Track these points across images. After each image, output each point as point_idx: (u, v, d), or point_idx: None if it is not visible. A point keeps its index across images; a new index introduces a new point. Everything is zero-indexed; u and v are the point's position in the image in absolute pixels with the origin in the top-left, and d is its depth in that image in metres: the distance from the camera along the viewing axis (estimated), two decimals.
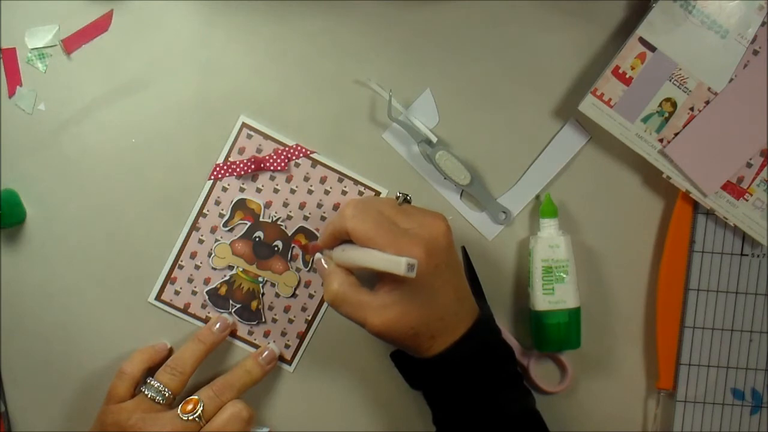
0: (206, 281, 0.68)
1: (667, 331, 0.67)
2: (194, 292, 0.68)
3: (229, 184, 0.67)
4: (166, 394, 0.63)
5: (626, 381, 0.68)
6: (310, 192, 0.67)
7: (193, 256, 0.67)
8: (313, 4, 0.67)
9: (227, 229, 0.67)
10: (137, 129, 0.67)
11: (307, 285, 0.68)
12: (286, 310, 0.68)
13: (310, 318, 0.68)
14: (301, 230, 0.67)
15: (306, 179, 0.67)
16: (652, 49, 0.63)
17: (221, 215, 0.67)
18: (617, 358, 0.68)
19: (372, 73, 0.67)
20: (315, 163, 0.67)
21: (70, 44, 0.66)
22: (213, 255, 0.67)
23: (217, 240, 0.67)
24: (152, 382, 0.63)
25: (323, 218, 0.67)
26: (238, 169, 0.67)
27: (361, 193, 0.67)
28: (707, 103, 0.64)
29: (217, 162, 0.67)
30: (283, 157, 0.67)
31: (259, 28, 0.67)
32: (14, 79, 0.66)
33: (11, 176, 0.67)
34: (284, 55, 0.67)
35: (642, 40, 0.63)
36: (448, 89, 0.67)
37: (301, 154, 0.67)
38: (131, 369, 0.64)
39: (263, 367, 0.66)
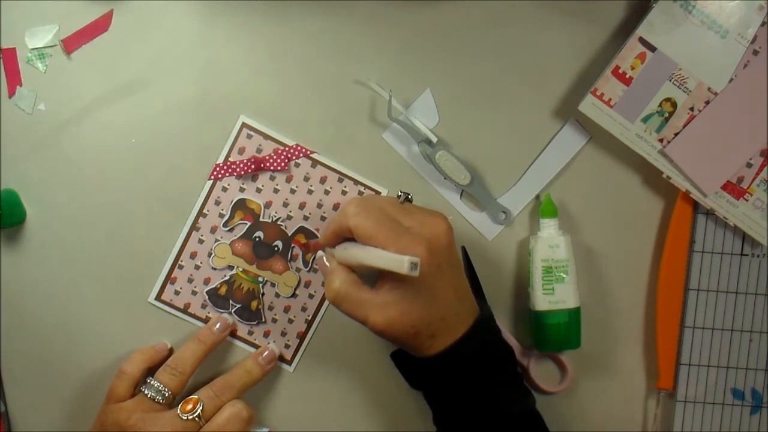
0: (206, 281, 0.68)
1: (667, 331, 0.67)
2: (194, 292, 0.68)
3: (229, 184, 0.67)
4: (166, 394, 0.63)
5: (626, 381, 0.68)
6: (310, 192, 0.67)
7: (193, 256, 0.67)
8: (313, 4, 0.67)
9: (227, 229, 0.67)
10: (137, 129, 0.67)
11: (307, 285, 0.68)
12: (286, 310, 0.68)
13: (310, 318, 0.68)
14: (301, 230, 0.67)
15: (306, 179, 0.67)
16: (652, 49, 0.63)
17: (221, 215, 0.67)
18: (617, 358, 0.68)
19: (372, 73, 0.67)
20: (315, 163, 0.67)
21: (70, 44, 0.66)
22: (213, 255, 0.67)
23: (217, 240, 0.67)
24: (152, 382, 0.63)
25: (323, 218, 0.67)
26: (238, 169, 0.67)
27: (361, 193, 0.67)
28: (707, 103, 0.64)
29: (217, 162, 0.67)
30: (283, 157, 0.67)
31: (259, 28, 0.67)
32: (14, 79, 0.66)
33: (11, 176, 0.67)
34: (284, 55, 0.67)
35: (642, 40, 0.63)
36: (448, 89, 0.67)
37: (301, 154, 0.67)
38: (131, 369, 0.64)
39: (263, 367, 0.66)
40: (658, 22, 0.63)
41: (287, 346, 0.68)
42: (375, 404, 0.68)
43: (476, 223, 0.68)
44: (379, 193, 0.67)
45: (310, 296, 0.68)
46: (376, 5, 0.67)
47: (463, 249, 0.67)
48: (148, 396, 0.63)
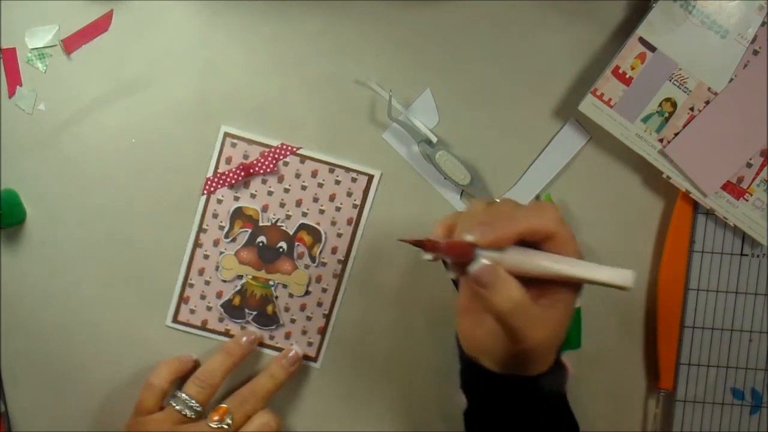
0: (219, 295, 0.68)
1: (667, 331, 0.67)
2: (209, 308, 0.68)
3: (223, 196, 0.67)
4: (195, 407, 0.63)
5: (626, 381, 0.68)
6: (303, 188, 0.67)
7: (201, 272, 0.67)
8: (313, 4, 0.67)
9: (229, 240, 0.67)
10: (137, 129, 0.67)
11: (318, 280, 0.68)
12: (302, 308, 0.68)
13: (327, 312, 0.68)
14: (302, 227, 0.67)
15: (297, 176, 0.67)
16: (652, 49, 0.63)
17: (221, 227, 0.67)
18: (617, 358, 0.68)
19: (372, 73, 0.67)
20: (303, 158, 0.67)
21: (70, 44, 0.66)
22: (220, 268, 0.67)
23: (221, 252, 0.67)
24: (180, 395, 0.63)
25: (321, 211, 0.67)
26: (228, 179, 0.67)
27: (354, 180, 0.67)
28: (707, 103, 0.64)
29: (207, 176, 0.67)
30: (270, 158, 0.67)
31: (259, 28, 0.67)
32: (14, 79, 0.66)
33: (11, 176, 0.67)
34: (284, 55, 0.67)
35: (642, 40, 0.63)
36: (448, 89, 0.67)
37: (288, 152, 0.67)
38: (159, 381, 0.64)
39: (287, 369, 0.66)
40: (658, 22, 0.63)
41: (310, 344, 0.68)
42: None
43: None
44: (372, 176, 0.67)
45: (324, 290, 0.68)
46: (376, 5, 0.67)
47: None
48: (177, 408, 0.62)
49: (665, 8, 0.63)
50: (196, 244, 0.67)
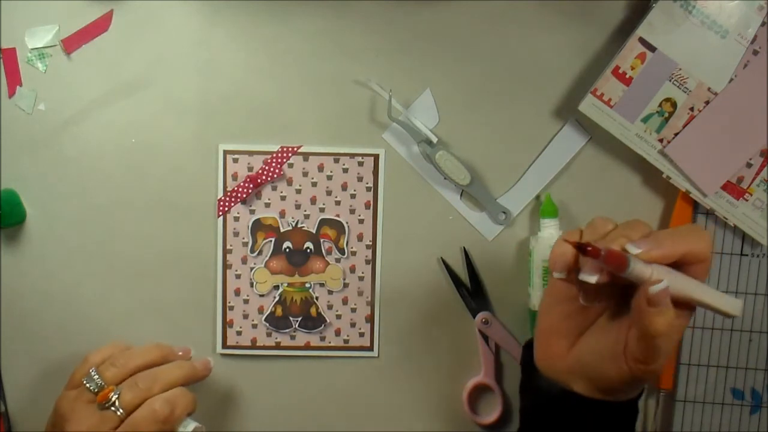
0: (260, 310, 0.68)
1: None
2: (254, 325, 0.68)
3: (238, 212, 0.67)
4: (98, 382, 0.59)
5: None
6: (314, 185, 0.67)
7: (237, 293, 0.68)
8: (313, 4, 0.67)
9: (256, 253, 0.67)
10: (137, 129, 0.67)
11: (353, 270, 0.68)
12: (345, 301, 0.68)
13: (370, 299, 0.68)
14: (324, 223, 0.67)
15: (305, 174, 0.67)
16: (652, 49, 0.63)
17: (245, 243, 0.67)
18: None
19: (372, 73, 0.67)
20: (306, 155, 0.67)
21: (70, 44, 0.66)
22: (255, 283, 0.68)
23: (251, 268, 0.67)
24: (92, 373, 0.60)
25: (338, 203, 0.67)
26: (239, 195, 0.67)
27: (361, 164, 0.67)
28: (707, 103, 0.64)
29: (218, 197, 0.67)
30: (274, 164, 0.67)
31: (259, 28, 0.67)
32: (14, 79, 0.66)
33: (11, 176, 0.67)
34: (284, 55, 0.67)
35: (642, 40, 0.63)
36: (448, 89, 0.67)
37: (290, 154, 0.67)
38: (94, 359, 0.62)
39: (194, 363, 0.63)
40: (658, 22, 0.63)
41: (362, 335, 0.68)
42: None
43: (476, 223, 0.68)
44: (377, 155, 0.67)
45: (361, 279, 0.68)
46: (376, 5, 0.67)
47: (464, 249, 0.67)
48: (88, 387, 0.60)
49: (665, 8, 0.63)
50: (225, 266, 0.67)
